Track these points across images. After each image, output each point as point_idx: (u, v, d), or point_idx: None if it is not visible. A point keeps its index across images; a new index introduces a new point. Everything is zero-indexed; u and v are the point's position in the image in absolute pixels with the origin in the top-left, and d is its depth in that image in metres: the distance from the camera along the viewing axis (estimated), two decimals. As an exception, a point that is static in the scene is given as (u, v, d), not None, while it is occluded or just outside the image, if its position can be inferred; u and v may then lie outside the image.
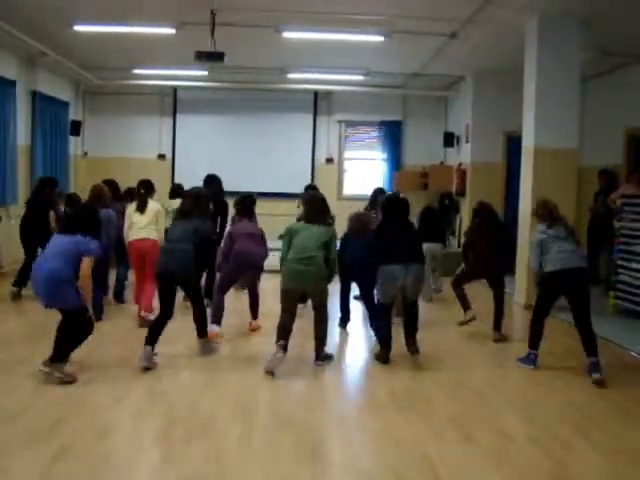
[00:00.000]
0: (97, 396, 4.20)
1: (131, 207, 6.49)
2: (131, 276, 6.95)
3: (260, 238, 6.04)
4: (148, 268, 6.12)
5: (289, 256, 4.98)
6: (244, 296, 6.64)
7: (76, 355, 4.82)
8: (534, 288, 5.42)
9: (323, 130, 12.31)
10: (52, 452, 3.27)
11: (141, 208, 6.37)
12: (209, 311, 5.58)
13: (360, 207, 7.63)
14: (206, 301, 5.45)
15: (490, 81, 10.03)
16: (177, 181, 10.53)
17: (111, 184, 7.07)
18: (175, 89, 12.05)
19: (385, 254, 5.13)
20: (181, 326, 5.50)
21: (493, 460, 3.38)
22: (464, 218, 10.32)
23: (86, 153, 12.12)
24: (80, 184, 10.86)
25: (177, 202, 7.36)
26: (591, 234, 8.90)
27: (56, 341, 4.51)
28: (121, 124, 12.10)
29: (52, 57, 9.31)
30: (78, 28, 7.89)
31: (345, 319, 6.43)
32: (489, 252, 5.99)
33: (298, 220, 5.73)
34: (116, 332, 5.54)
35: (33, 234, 7.14)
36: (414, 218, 6.31)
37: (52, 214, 7.28)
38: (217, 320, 5.81)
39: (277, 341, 4.92)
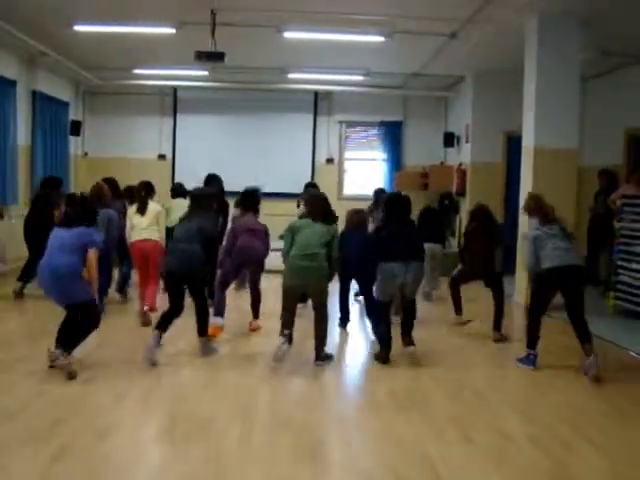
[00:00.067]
0: (97, 396, 4.20)
1: (132, 209, 6.54)
2: (134, 276, 6.99)
3: (264, 234, 6.07)
4: (151, 269, 6.25)
5: (292, 252, 5.04)
6: (245, 295, 6.65)
7: (76, 354, 4.83)
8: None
9: (323, 130, 12.31)
10: (52, 451, 3.27)
11: (141, 210, 6.42)
12: (211, 311, 5.59)
13: (362, 208, 7.61)
14: (208, 301, 5.48)
15: (490, 81, 10.03)
16: (177, 181, 10.58)
17: (110, 182, 7.09)
18: (175, 89, 12.06)
19: (385, 252, 5.16)
20: (183, 323, 5.50)
21: (493, 460, 3.37)
22: (464, 218, 10.31)
23: (86, 153, 12.13)
24: (80, 184, 10.86)
25: (178, 201, 7.46)
26: (591, 234, 8.91)
27: (61, 332, 4.58)
28: (121, 124, 12.10)
29: (52, 57, 9.32)
30: (78, 28, 7.90)
31: (345, 319, 6.44)
32: (486, 253, 6.02)
33: (300, 218, 5.75)
34: (117, 332, 5.54)
35: (37, 233, 7.17)
36: (414, 218, 6.32)
37: (57, 214, 7.31)
38: (220, 313, 5.94)
39: (281, 332, 5.05)
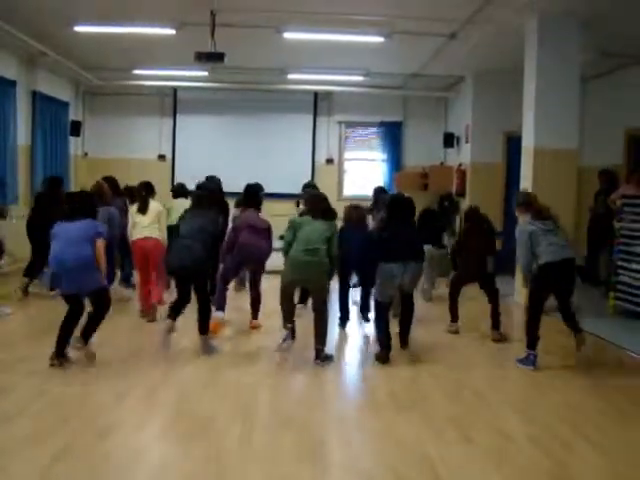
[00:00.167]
0: (98, 395, 4.21)
1: (133, 208, 6.62)
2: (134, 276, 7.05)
3: (266, 231, 6.07)
4: (153, 266, 6.38)
5: (293, 248, 5.11)
6: (245, 295, 6.66)
7: (76, 354, 4.84)
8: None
9: (323, 131, 12.31)
10: (52, 452, 3.27)
11: (142, 209, 6.50)
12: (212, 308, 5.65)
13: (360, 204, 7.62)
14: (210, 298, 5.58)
15: (490, 81, 10.03)
16: (177, 181, 10.59)
17: (110, 181, 7.20)
18: (175, 90, 12.06)
19: (385, 252, 5.23)
20: (185, 322, 5.55)
21: (493, 460, 3.37)
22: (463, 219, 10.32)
23: (86, 153, 12.13)
24: (80, 184, 10.83)
25: (179, 201, 7.50)
26: (591, 234, 8.91)
27: (62, 332, 4.74)
28: (121, 124, 12.11)
29: (52, 57, 9.32)
30: (78, 28, 7.90)
31: (345, 319, 6.45)
32: (479, 254, 6.08)
33: (300, 216, 5.80)
34: (117, 332, 5.54)
35: (40, 232, 7.24)
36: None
37: (60, 214, 7.35)
38: (221, 307, 6.04)
39: (284, 325, 5.28)
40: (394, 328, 5.58)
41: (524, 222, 5.19)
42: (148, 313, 6.49)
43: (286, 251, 5.22)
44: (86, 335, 4.86)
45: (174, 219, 6.49)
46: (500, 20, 7.10)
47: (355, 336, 6.31)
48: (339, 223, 6.42)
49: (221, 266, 6.28)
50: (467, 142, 10.57)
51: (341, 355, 5.58)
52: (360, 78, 10.69)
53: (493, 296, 6.10)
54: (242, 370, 4.88)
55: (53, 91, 10.57)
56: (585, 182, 8.97)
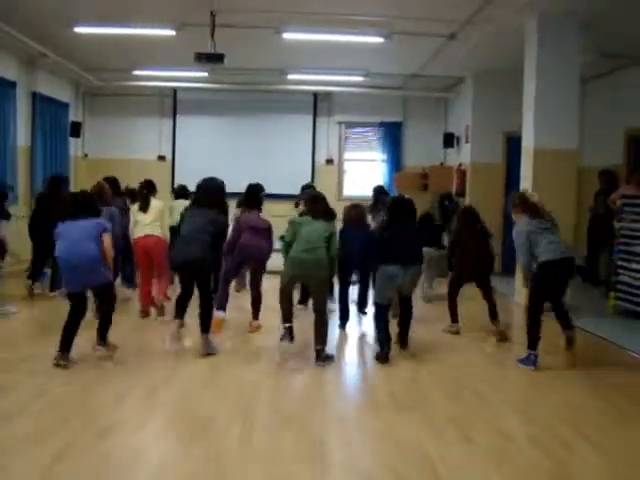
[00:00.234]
0: (98, 395, 4.21)
1: (135, 206, 6.71)
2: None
3: (267, 231, 6.10)
4: (156, 264, 6.54)
5: (293, 248, 5.16)
6: (246, 295, 6.67)
7: (76, 355, 4.84)
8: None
9: (323, 131, 12.32)
10: (52, 451, 3.27)
11: (144, 208, 6.59)
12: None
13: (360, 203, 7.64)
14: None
15: (490, 82, 10.04)
16: (177, 182, 10.64)
17: (111, 181, 7.25)
18: (175, 90, 12.07)
19: (386, 254, 5.26)
20: (186, 322, 5.58)
21: (493, 460, 3.37)
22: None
23: (86, 154, 12.14)
24: (80, 185, 10.83)
25: (180, 202, 7.55)
26: (591, 234, 8.92)
27: (65, 333, 4.77)
28: (121, 125, 12.12)
29: (52, 58, 9.33)
30: (78, 30, 7.91)
31: (345, 319, 6.45)
32: (476, 254, 6.13)
33: (301, 215, 5.84)
34: (117, 332, 5.52)
35: (41, 231, 7.29)
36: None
37: (62, 214, 7.38)
38: (222, 307, 6.08)
39: (283, 324, 5.32)
40: (394, 328, 5.60)
41: (521, 223, 5.20)
42: (148, 312, 6.54)
43: (286, 251, 5.26)
44: (102, 335, 5.02)
45: (175, 220, 6.64)
46: (500, 20, 7.11)
47: (355, 336, 6.31)
48: (339, 224, 6.49)
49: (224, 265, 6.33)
50: (467, 142, 10.57)
51: (341, 355, 5.58)
52: (360, 78, 10.69)
53: (488, 293, 6.17)
54: (242, 370, 4.88)
55: (53, 92, 10.58)
56: (585, 182, 8.98)
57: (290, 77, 10.78)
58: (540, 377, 4.90)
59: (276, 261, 6.01)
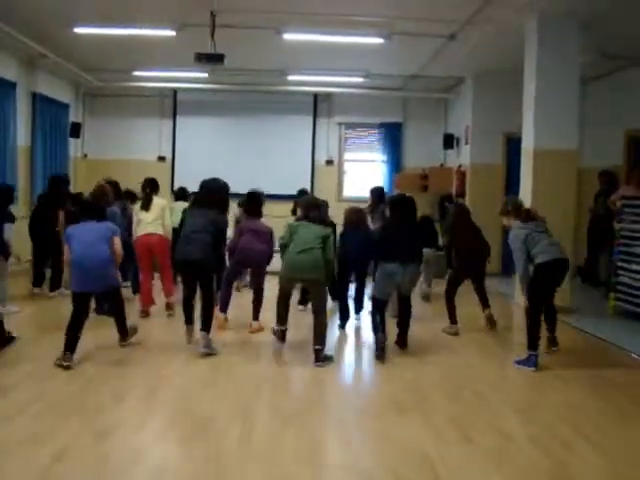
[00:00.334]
0: (97, 396, 4.20)
1: (137, 205, 6.81)
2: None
3: (268, 236, 6.12)
4: (160, 261, 6.67)
5: (290, 249, 5.22)
6: (247, 295, 6.68)
7: (77, 355, 4.84)
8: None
9: (323, 132, 12.31)
10: (51, 453, 3.26)
11: (146, 206, 6.67)
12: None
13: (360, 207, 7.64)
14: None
15: (490, 82, 10.04)
16: (177, 183, 10.69)
17: (112, 184, 7.26)
18: (175, 91, 12.06)
19: (386, 252, 5.34)
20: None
21: (493, 460, 3.37)
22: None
23: (86, 155, 12.13)
24: (80, 186, 10.85)
25: (180, 204, 7.57)
26: (591, 235, 8.92)
27: (70, 335, 4.80)
28: (121, 126, 12.11)
29: (52, 59, 9.32)
30: (78, 30, 7.90)
31: (344, 319, 6.46)
32: (474, 249, 6.28)
33: (297, 219, 5.88)
34: (116, 332, 5.53)
35: (41, 231, 7.35)
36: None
37: (62, 214, 7.41)
38: (225, 307, 6.19)
39: (276, 324, 5.46)
40: (393, 329, 5.61)
41: (515, 226, 5.23)
42: (148, 312, 6.55)
43: (282, 252, 5.34)
44: (122, 332, 5.32)
45: (175, 221, 6.76)
46: (500, 21, 7.11)
47: (355, 336, 6.31)
48: (339, 227, 6.57)
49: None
50: (467, 143, 10.57)
51: (341, 355, 5.57)
52: (360, 79, 10.69)
53: (481, 285, 6.42)
54: (242, 370, 4.88)
55: (53, 93, 10.58)
56: (585, 183, 8.98)
57: (290, 78, 10.77)
58: (540, 377, 4.90)
59: (277, 262, 6.01)
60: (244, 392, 4.38)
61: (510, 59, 8.46)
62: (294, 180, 11.04)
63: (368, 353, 5.57)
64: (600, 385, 4.74)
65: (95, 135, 12.13)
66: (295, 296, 6.41)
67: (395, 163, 12.27)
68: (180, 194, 8.45)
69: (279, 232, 6.07)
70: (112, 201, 6.77)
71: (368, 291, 6.73)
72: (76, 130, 11.32)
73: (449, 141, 11.44)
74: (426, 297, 7.91)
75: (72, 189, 10.80)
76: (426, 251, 7.32)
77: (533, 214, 5.31)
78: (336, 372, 5.04)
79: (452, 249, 6.52)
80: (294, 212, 8.38)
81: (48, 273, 7.73)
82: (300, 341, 5.58)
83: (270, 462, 3.28)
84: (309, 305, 5.98)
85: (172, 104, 12.18)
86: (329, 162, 12.36)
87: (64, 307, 6.94)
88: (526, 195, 7.35)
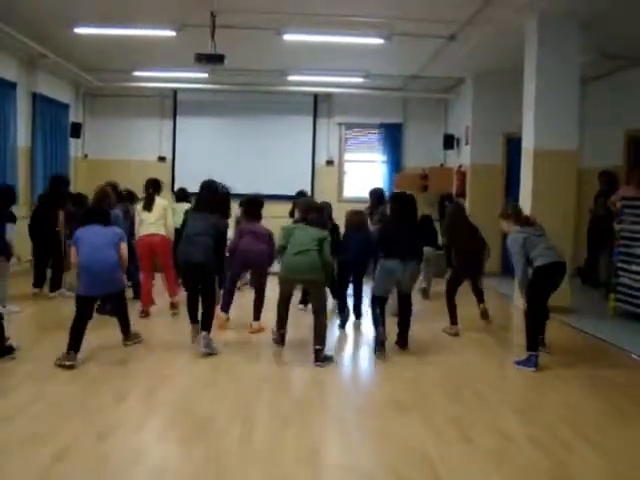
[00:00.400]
0: (97, 396, 4.20)
1: (139, 206, 6.84)
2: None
3: (267, 237, 6.15)
4: (163, 260, 6.74)
5: (287, 251, 5.26)
6: (249, 294, 6.68)
7: (78, 355, 4.84)
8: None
9: (323, 132, 12.31)
10: (51, 453, 3.26)
11: (148, 206, 6.71)
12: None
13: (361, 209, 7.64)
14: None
15: (490, 82, 10.04)
16: (177, 183, 10.70)
17: (112, 187, 7.31)
18: (175, 91, 12.06)
19: (386, 249, 5.42)
20: (186, 323, 5.61)
21: (493, 460, 3.37)
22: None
23: (86, 155, 12.13)
24: (80, 186, 10.86)
25: (181, 205, 7.58)
26: (591, 236, 8.92)
27: (74, 334, 4.84)
28: (121, 126, 12.11)
29: (52, 59, 9.33)
30: (78, 30, 7.90)
31: (344, 319, 6.50)
32: (473, 248, 6.32)
33: (295, 222, 5.92)
34: (117, 333, 5.53)
35: (41, 231, 7.36)
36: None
37: (61, 214, 7.42)
38: (226, 308, 6.25)
39: (277, 327, 5.51)
40: (394, 329, 5.61)
41: (514, 231, 5.26)
42: (149, 312, 6.58)
43: (280, 251, 5.41)
44: (125, 331, 5.41)
45: (177, 222, 6.85)
46: (500, 21, 7.11)
47: (355, 336, 6.31)
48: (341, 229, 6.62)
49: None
50: (467, 144, 10.57)
51: (341, 356, 5.58)
52: (360, 80, 10.69)
53: (478, 283, 6.51)
54: (242, 370, 4.88)
55: (53, 93, 10.58)
56: (585, 183, 8.98)
57: (290, 78, 10.77)
58: (540, 377, 4.90)
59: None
60: (244, 392, 4.38)
61: (510, 59, 8.47)
62: (294, 181, 11.05)
63: (368, 353, 5.57)
64: (600, 385, 4.74)
65: (95, 135, 12.13)
66: (296, 296, 6.41)
67: (395, 163, 12.27)
68: (181, 195, 8.47)
69: (278, 233, 6.09)
70: (114, 203, 6.81)
71: (368, 291, 6.74)
72: (76, 130, 11.32)
73: (449, 141, 11.44)
74: (425, 293, 8.01)
75: (72, 189, 10.83)
76: (426, 249, 7.36)
77: (532, 220, 5.39)
78: (336, 372, 5.04)
79: (452, 249, 6.54)
80: (292, 214, 8.40)
81: (48, 274, 7.73)
82: (300, 341, 5.59)
83: (270, 462, 3.28)
84: (309, 305, 5.99)
85: (172, 104, 12.18)
86: (329, 162, 12.36)
87: (65, 307, 6.97)
88: (526, 196, 7.36)
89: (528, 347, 5.10)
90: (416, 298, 5.98)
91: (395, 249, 5.34)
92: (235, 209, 7.32)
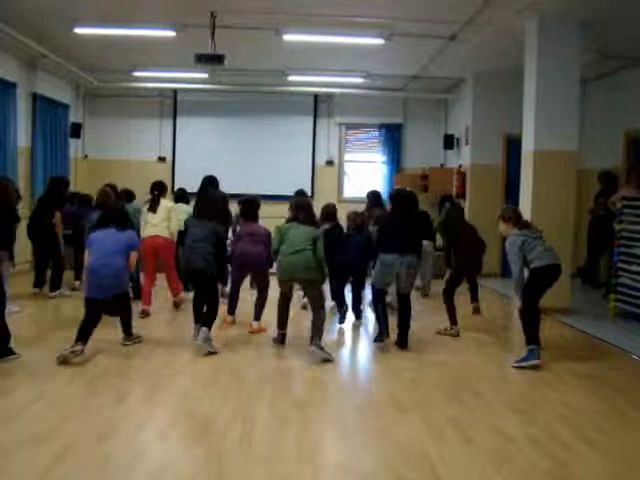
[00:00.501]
0: (98, 397, 4.20)
1: (145, 207, 6.98)
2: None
3: (265, 237, 6.15)
4: (166, 262, 6.87)
5: (282, 251, 5.35)
6: (250, 295, 6.69)
7: (78, 357, 4.85)
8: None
9: (323, 132, 12.31)
10: (52, 453, 3.26)
11: (153, 208, 6.85)
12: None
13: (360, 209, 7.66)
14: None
15: (490, 83, 10.04)
16: (177, 183, 10.69)
17: (111, 187, 7.37)
18: (175, 91, 12.06)
19: (385, 244, 5.58)
20: (187, 321, 5.60)
21: (493, 460, 3.37)
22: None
23: (86, 155, 12.13)
24: (80, 186, 10.85)
25: (180, 206, 7.60)
26: (591, 236, 8.91)
27: (84, 329, 4.96)
28: (121, 126, 12.11)
29: (52, 59, 9.33)
30: (78, 30, 7.90)
31: (343, 315, 6.61)
32: (469, 252, 6.38)
33: (287, 222, 5.94)
34: (117, 333, 5.54)
35: (41, 231, 7.37)
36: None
37: (58, 214, 7.43)
38: (232, 311, 6.37)
39: (277, 328, 5.60)
40: (393, 329, 5.62)
41: (512, 234, 5.32)
42: (149, 312, 6.58)
43: (275, 253, 5.48)
44: (127, 331, 5.46)
45: (178, 224, 6.85)
46: (500, 21, 7.11)
47: (355, 337, 6.31)
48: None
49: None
50: (467, 144, 10.57)
51: (341, 355, 5.58)
52: (360, 80, 10.70)
53: (474, 283, 6.67)
54: (242, 370, 4.88)
55: (53, 93, 10.58)
56: (585, 184, 8.98)
57: (290, 78, 10.77)
58: (540, 377, 4.90)
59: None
60: (245, 392, 4.39)
61: (510, 60, 8.47)
62: (294, 181, 11.03)
63: (368, 353, 5.58)
64: (600, 386, 4.74)
65: (95, 135, 12.12)
66: (297, 296, 6.44)
67: (395, 164, 12.27)
68: (180, 194, 8.44)
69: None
70: (114, 203, 6.88)
71: (368, 291, 6.75)
72: (76, 130, 11.32)
73: (449, 142, 11.44)
74: (423, 291, 8.14)
75: (73, 189, 10.85)
76: (425, 243, 7.40)
77: (529, 223, 5.51)
78: (336, 372, 5.05)
79: (451, 249, 6.55)
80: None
81: (48, 274, 7.74)
82: (300, 342, 5.58)
83: (270, 462, 3.28)
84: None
85: (172, 104, 12.19)
86: (329, 163, 12.36)
87: (65, 308, 6.99)
88: (526, 196, 7.36)
89: (527, 342, 5.15)
90: (416, 298, 5.99)
91: (394, 243, 5.50)
92: (236, 209, 7.35)
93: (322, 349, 5.17)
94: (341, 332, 6.38)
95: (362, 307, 6.76)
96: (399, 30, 7.60)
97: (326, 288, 6.08)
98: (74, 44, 8.84)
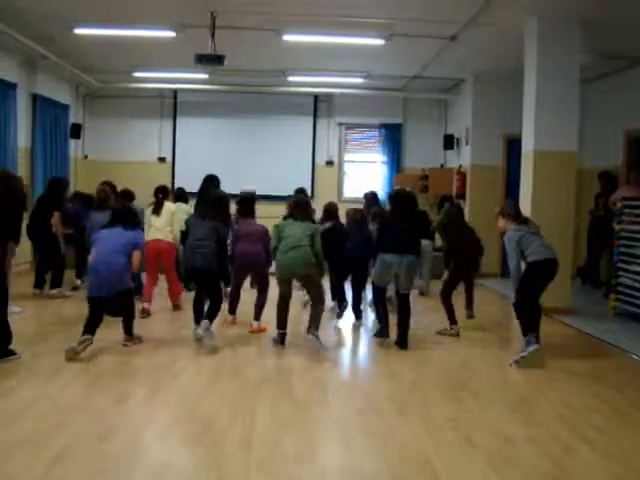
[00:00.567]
0: (98, 398, 4.20)
1: (148, 210, 7.02)
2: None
3: (263, 235, 6.17)
4: (167, 266, 6.93)
5: (280, 248, 5.42)
6: (252, 295, 6.70)
7: (79, 356, 4.85)
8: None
9: (323, 133, 12.32)
10: (52, 454, 3.26)
11: (157, 211, 6.92)
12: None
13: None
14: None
15: (490, 83, 10.04)
16: (177, 184, 10.68)
17: (109, 185, 7.40)
18: (175, 92, 12.07)
19: (384, 244, 5.61)
20: (187, 323, 5.62)
21: (493, 461, 3.37)
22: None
23: (86, 156, 12.13)
24: (80, 187, 10.85)
25: (179, 205, 7.61)
26: (591, 236, 8.92)
27: (90, 323, 5.07)
28: (121, 127, 12.12)
29: (53, 60, 9.33)
30: (78, 31, 7.90)
31: (342, 310, 6.67)
32: (468, 252, 6.40)
33: (284, 218, 6.09)
34: (117, 334, 5.54)
35: (40, 232, 7.37)
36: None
37: (57, 215, 7.43)
38: (233, 310, 6.42)
39: (277, 328, 5.61)
40: (393, 330, 5.62)
41: (510, 229, 5.38)
42: (149, 312, 6.61)
43: (274, 251, 5.55)
44: (128, 331, 5.46)
45: (179, 225, 6.88)
46: (500, 22, 7.11)
47: (354, 337, 6.31)
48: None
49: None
50: (467, 144, 10.57)
51: (341, 356, 5.58)
52: (360, 80, 10.70)
53: (470, 286, 6.64)
54: (243, 370, 4.89)
55: (53, 94, 10.58)
56: (585, 184, 8.98)
57: (290, 79, 10.76)
58: (540, 378, 4.90)
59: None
60: (245, 392, 4.39)
61: (510, 60, 8.46)
62: (294, 181, 10.98)
63: (368, 353, 5.58)
64: (600, 386, 4.74)
65: (95, 136, 12.12)
66: (297, 296, 6.43)
67: (395, 164, 12.28)
68: (178, 194, 8.45)
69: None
70: (113, 202, 6.93)
71: (367, 294, 6.78)
72: (76, 131, 11.31)
73: (449, 142, 11.44)
74: (422, 289, 8.17)
75: (72, 190, 10.85)
76: (424, 242, 7.42)
77: (527, 219, 5.58)
78: (336, 372, 5.05)
79: (450, 249, 6.53)
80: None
81: (49, 275, 7.74)
82: (301, 341, 5.58)
83: (270, 463, 3.28)
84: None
85: (172, 105, 12.19)
86: (329, 163, 12.36)
87: (65, 308, 6.98)
88: (526, 196, 7.35)
89: (523, 332, 5.24)
90: (415, 298, 6.00)
91: (393, 243, 5.53)
92: (232, 209, 7.36)
93: (318, 338, 5.31)
94: (341, 332, 6.38)
95: (362, 307, 6.75)
96: (399, 30, 7.60)
97: (326, 285, 6.11)
98: (74, 45, 8.84)
